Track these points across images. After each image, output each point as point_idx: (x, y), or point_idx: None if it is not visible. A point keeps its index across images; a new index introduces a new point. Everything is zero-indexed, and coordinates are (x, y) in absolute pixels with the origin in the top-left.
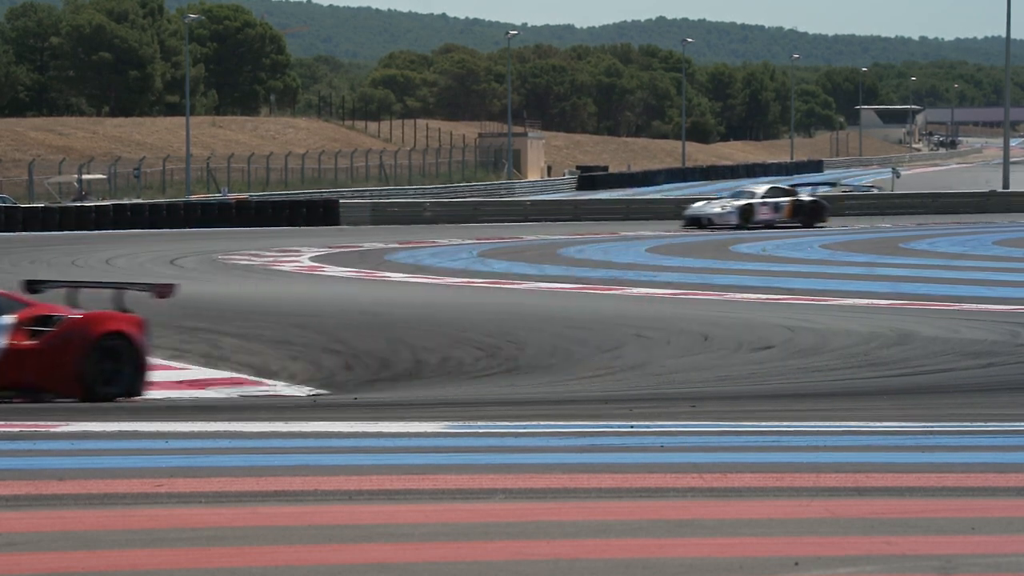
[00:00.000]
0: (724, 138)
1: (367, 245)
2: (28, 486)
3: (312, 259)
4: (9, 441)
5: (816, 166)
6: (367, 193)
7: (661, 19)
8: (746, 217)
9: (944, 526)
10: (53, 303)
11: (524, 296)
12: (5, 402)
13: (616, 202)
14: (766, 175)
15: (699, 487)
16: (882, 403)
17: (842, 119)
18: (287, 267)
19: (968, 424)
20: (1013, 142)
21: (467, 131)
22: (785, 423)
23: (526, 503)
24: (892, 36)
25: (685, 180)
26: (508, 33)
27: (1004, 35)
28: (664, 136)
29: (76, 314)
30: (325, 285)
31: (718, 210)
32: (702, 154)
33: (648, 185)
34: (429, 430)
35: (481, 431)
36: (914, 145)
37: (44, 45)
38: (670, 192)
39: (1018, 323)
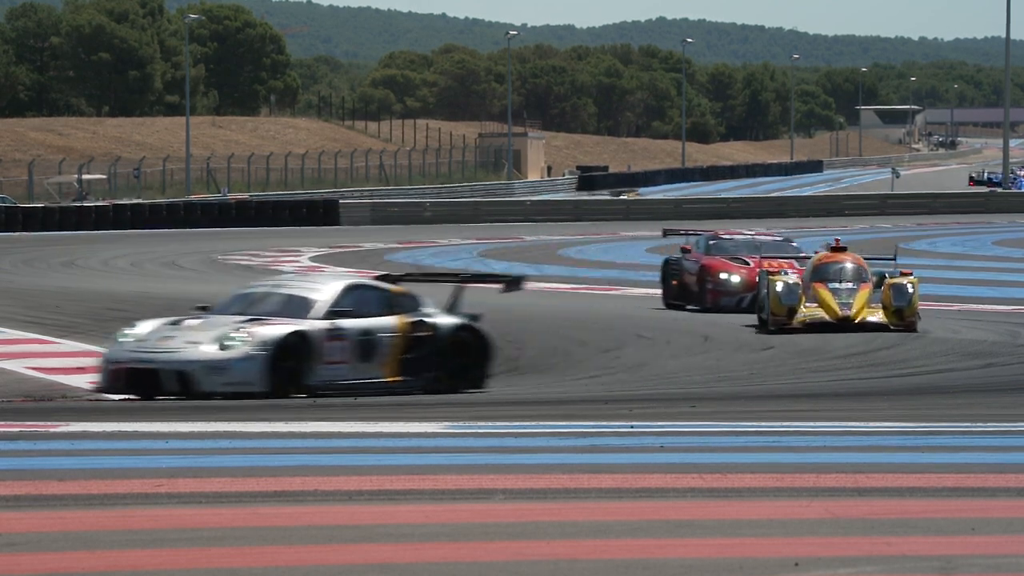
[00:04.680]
0: (724, 138)
1: (367, 245)
2: (28, 486)
3: (312, 259)
4: (9, 441)
5: (816, 166)
6: (367, 193)
7: (661, 19)
8: None
9: (944, 526)
10: None
11: (524, 296)
12: (5, 402)
13: (617, 202)
14: (766, 175)
15: (699, 487)
16: (882, 403)
17: (842, 119)
18: (287, 267)
19: (968, 424)
20: (1013, 142)
21: (467, 131)
22: (785, 423)
23: (526, 503)
24: (892, 36)
25: (685, 180)
26: (508, 33)
27: (1004, 35)
28: (664, 136)
29: None
30: None
31: None
32: (702, 154)
33: (648, 185)
34: (429, 430)
35: (481, 431)
36: (914, 145)
37: (44, 45)
38: (670, 192)
39: (1018, 323)
